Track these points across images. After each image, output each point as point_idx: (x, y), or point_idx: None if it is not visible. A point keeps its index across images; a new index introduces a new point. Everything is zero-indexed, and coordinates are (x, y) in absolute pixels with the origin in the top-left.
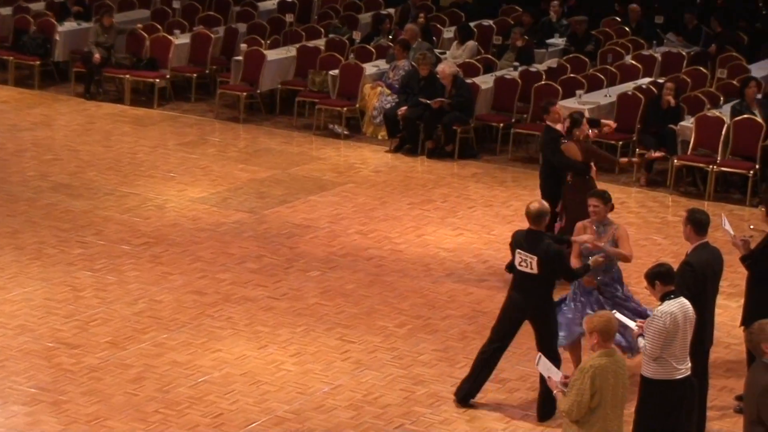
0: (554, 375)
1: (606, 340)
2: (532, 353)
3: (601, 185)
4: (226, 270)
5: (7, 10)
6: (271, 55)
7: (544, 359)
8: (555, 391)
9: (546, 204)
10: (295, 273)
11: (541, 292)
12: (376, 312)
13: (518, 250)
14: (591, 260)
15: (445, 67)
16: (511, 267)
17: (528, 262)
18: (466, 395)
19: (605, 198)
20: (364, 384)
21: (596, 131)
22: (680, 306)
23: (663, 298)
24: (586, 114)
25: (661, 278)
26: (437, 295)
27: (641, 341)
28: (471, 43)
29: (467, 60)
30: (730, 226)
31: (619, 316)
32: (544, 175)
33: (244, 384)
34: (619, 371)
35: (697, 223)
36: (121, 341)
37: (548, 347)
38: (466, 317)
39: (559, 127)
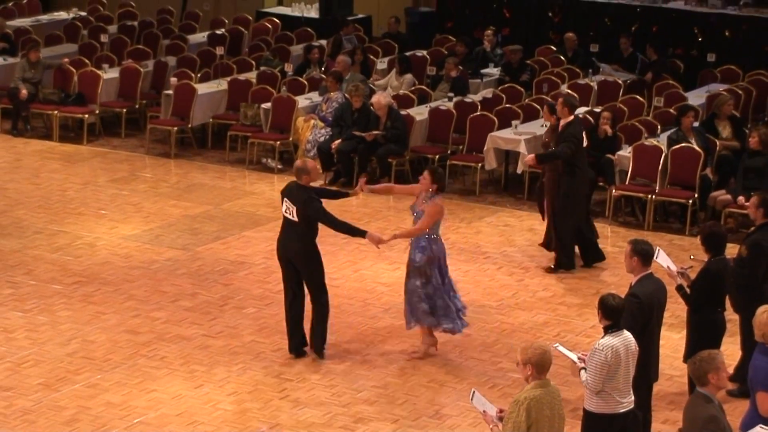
0: (489, 410)
1: (540, 372)
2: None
3: (539, 217)
4: (159, 308)
5: None
6: (202, 88)
7: (477, 395)
8: (491, 426)
9: (308, 162)
10: (230, 310)
11: (303, 239)
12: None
13: (285, 198)
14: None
15: (380, 98)
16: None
17: (291, 211)
18: (298, 347)
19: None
20: (303, 422)
21: None
22: (622, 339)
23: (605, 331)
24: None
25: (604, 312)
26: (375, 330)
27: (583, 374)
28: (409, 76)
29: (403, 92)
30: (667, 258)
31: (561, 349)
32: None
33: (180, 424)
34: (555, 402)
35: (644, 254)
36: (54, 383)
37: (313, 297)
38: (405, 353)
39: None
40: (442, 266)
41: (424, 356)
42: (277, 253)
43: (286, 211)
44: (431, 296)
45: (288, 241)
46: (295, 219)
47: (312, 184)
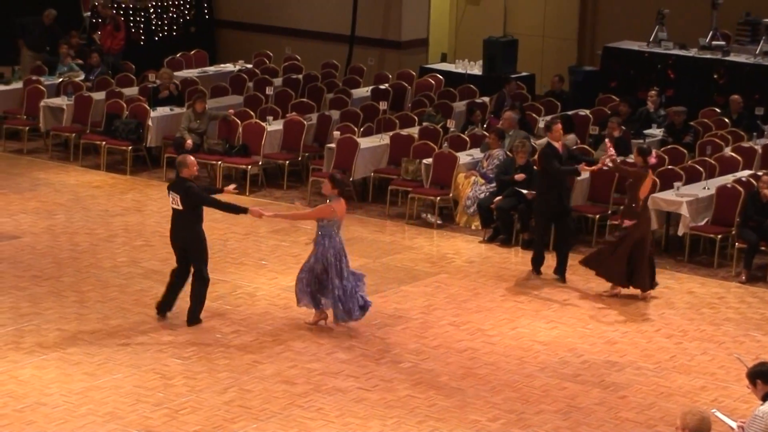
0: None
1: None
2: None
3: (699, 280)
4: (316, 360)
5: (100, 95)
6: (365, 142)
7: None
8: None
9: (187, 156)
10: (386, 364)
11: (190, 225)
12: (468, 405)
13: (170, 192)
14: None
15: None
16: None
17: (176, 201)
18: (163, 308)
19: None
20: None
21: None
22: None
23: (765, 398)
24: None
25: (763, 377)
26: (531, 389)
27: None
28: (572, 136)
29: None
30: None
31: (718, 414)
32: (545, 187)
33: None
34: None
35: None
36: (210, 430)
37: (197, 273)
38: (560, 412)
39: (557, 145)
40: (333, 261)
41: (314, 324)
42: (171, 241)
43: (172, 203)
44: (325, 282)
45: (178, 230)
46: (180, 207)
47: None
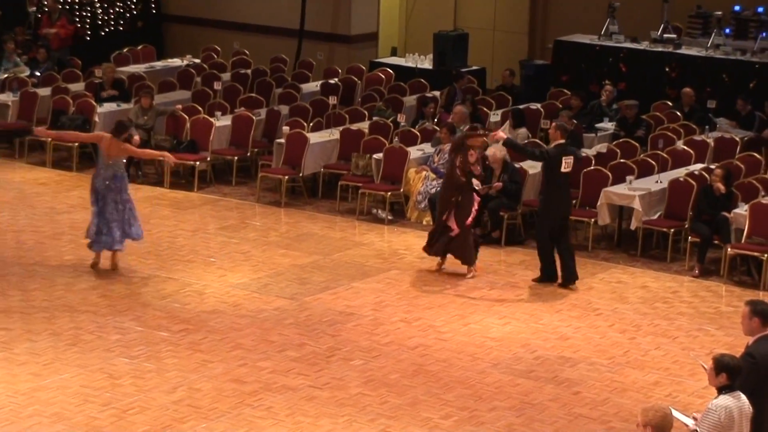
0: None
1: None
2: None
3: (652, 274)
4: (266, 358)
5: (45, 91)
6: (314, 137)
7: None
8: None
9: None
10: (337, 362)
11: None
12: (420, 403)
13: None
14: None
15: (496, 152)
16: None
17: None
18: None
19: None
20: None
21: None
22: (736, 400)
23: (720, 391)
24: None
25: (729, 372)
26: (484, 385)
27: None
28: (523, 130)
29: None
30: None
31: (675, 413)
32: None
33: None
34: None
35: (764, 315)
36: (159, 430)
37: None
38: (514, 409)
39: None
40: (102, 197)
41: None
42: None
43: None
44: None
45: None
46: None
47: None
